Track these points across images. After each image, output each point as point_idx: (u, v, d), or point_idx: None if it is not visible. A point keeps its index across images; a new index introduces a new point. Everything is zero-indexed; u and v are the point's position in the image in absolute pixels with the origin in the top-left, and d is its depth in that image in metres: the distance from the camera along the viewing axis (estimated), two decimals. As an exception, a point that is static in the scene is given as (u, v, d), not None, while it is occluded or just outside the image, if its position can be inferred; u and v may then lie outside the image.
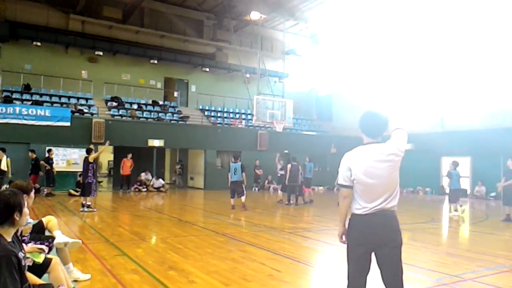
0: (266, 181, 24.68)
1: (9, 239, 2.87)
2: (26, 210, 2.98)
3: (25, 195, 4.11)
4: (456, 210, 14.10)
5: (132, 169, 20.98)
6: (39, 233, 5.22)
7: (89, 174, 12.84)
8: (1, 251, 2.69)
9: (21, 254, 2.92)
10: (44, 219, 5.47)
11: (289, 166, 16.15)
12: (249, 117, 27.33)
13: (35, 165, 17.32)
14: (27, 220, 4.86)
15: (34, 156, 17.41)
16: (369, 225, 3.41)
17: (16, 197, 2.92)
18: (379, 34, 26.75)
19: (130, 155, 20.81)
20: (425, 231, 10.86)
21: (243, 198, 14.45)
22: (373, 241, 3.41)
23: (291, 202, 16.29)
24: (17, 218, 2.88)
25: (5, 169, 14.57)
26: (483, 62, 22.19)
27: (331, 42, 31.05)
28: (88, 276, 5.53)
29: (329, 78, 32.12)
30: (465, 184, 22.17)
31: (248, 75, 28.02)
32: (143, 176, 22.16)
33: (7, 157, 14.75)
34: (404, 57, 25.55)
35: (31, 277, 3.37)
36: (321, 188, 25.40)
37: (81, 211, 12.67)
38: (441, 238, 10.59)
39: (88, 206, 12.86)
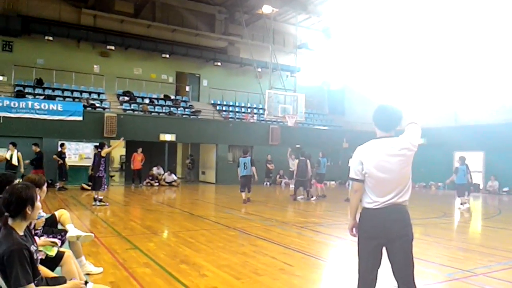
0: (278, 176, 24.64)
1: (21, 233, 2.88)
2: (38, 203, 2.99)
3: (37, 188, 4.15)
4: (465, 203, 14.09)
5: (144, 163, 21.05)
6: (51, 226, 5.25)
7: (101, 168, 12.87)
8: (13, 244, 2.71)
9: (33, 248, 2.93)
10: (56, 213, 5.50)
11: (296, 161, 16.02)
12: (261, 111, 27.28)
13: (38, 159, 16.61)
14: (39, 214, 4.89)
15: (38, 149, 16.84)
16: (380, 219, 3.39)
17: (28, 190, 2.92)
18: (392, 27, 26.49)
19: (140, 150, 20.84)
20: (437, 226, 10.78)
21: (249, 193, 14.79)
22: (384, 235, 3.39)
23: (302, 196, 16.24)
24: (29, 212, 2.88)
25: (16, 163, 14.61)
26: (497, 57, 21.93)
27: (343, 36, 30.83)
28: (100, 269, 5.56)
29: (342, 72, 31.94)
30: (478, 178, 22.12)
31: (260, 70, 27.98)
32: (155, 170, 22.24)
33: (18, 151, 14.79)
34: (417, 51, 25.30)
35: (44, 270, 3.38)
36: (333, 182, 25.32)
37: (93, 205, 12.74)
38: (453, 233, 10.49)
39: (100, 200, 12.92)
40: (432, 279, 5.67)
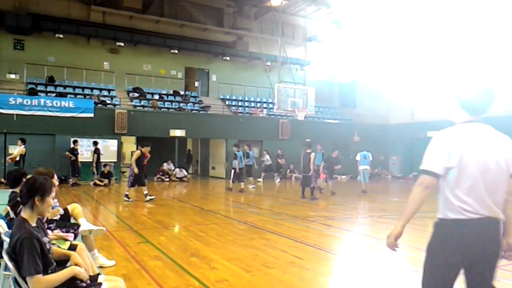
0: (288, 170, 24.62)
1: (34, 224, 2.95)
2: (49, 199, 3.01)
3: None
4: None
5: (155, 159, 21.01)
6: (64, 220, 5.33)
7: (131, 167, 12.68)
8: (24, 233, 2.78)
9: (45, 239, 2.99)
10: (69, 207, 5.59)
11: (267, 156, 15.43)
12: (271, 106, 27.21)
13: None
14: (54, 204, 4.96)
15: None
16: (469, 237, 2.57)
17: (43, 181, 2.99)
18: (403, 18, 26.26)
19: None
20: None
21: (231, 183, 16.56)
22: (469, 258, 2.60)
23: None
24: (37, 203, 2.94)
25: (18, 158, 14.71)
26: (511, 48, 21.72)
27: (354, 27, 30.58)
28: (112, 262, 5.65)
29: (352, 65, 31.71)
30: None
31: (269, 63, 27.87)
32: (165, 166, 22.35)
33: (23, 147, 14.89)
34: (429, 42, 25.06)
35: (58, 251, 3.45)
36: (344, 177, 25.24)
37: (125, 201, 12.75)
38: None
39: (126, 196, 12.86)
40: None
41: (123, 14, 25.71)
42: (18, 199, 2.98)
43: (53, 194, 3.07)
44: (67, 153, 17.99)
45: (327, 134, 25.65)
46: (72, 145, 18.24)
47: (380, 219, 10.15)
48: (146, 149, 12.95)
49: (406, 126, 26.24)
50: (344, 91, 33.34)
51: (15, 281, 2.92)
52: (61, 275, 2.88)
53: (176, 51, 26.68)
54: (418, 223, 9.66)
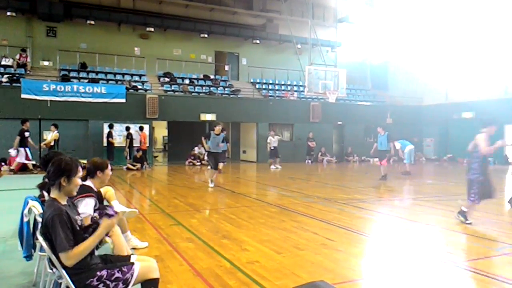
0: (320, 153, 24.43)
1: (64, 202, 3.00)
2: (75, 179, 3.05)
3: (99, 171, 4.53)
4: None
5: (186, 143, 21.31)
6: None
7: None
8: (54, 210, 2.84)
9: (77, 217, 3.03)
10: (102, 190, 5.65)
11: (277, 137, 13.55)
12: (301, 88, 26.98)
13: None
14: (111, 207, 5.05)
15: None
16: None
17: (69, 162, 3.03)
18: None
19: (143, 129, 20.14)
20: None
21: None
22: None
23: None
24: (64, 184, 2.98)
25: (52, 143, 15.23)
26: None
27: (386, 8, 29.84)
28: (145, 244, 5.73)
29: (384, 46, 31.03)
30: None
31: (299, 46, 27.53)
32: (196, 150, 22.50)
33: (57, 132, 15.39)
34: (465, 21, 24.23)
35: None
36: (376, 159, 24.87)
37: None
38: (503, 208, 10.10)
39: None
40: (480, 254, 5.48)
41: (152, -1, 25.84)
42: (46, 179, 3.02)
43: (79, 174, 3.09)
44: (110, 139, 18.74)
45: (359, 116, 25.30)
46: (109, 129, 18.81)
47: (414, 202, 9.95)
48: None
49: (440, 107, 25.57)
50: (376, 73, 32.71)
51: (50, 261, 2.96)
52: (89, 242, 2.88)
53: (206, 35, 26.66)
54: (454, 205, 9.45)
